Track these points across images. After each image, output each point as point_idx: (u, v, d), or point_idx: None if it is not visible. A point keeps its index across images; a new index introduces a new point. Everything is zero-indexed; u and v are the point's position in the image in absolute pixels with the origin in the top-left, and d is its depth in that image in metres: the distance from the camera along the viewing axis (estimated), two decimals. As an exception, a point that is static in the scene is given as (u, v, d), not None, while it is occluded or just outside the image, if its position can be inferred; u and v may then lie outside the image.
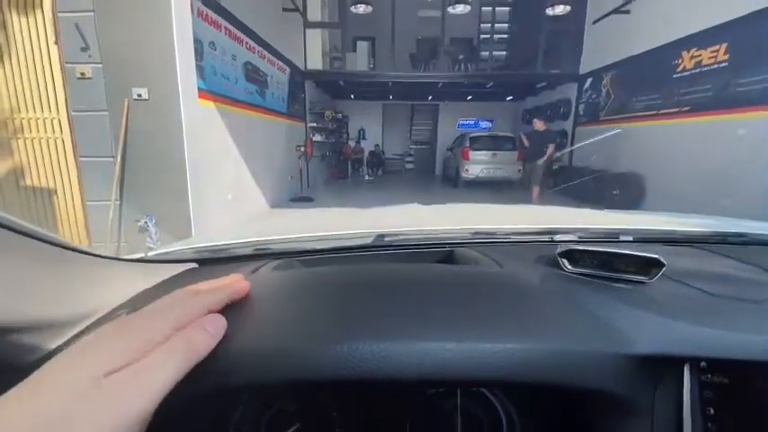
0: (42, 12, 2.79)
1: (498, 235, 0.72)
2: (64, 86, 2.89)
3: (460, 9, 7.75)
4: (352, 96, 11.28)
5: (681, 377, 0.34)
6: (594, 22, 6.95)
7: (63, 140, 2.98)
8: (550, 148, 6.03)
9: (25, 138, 2.95)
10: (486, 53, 9.58)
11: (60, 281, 0.38)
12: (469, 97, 11.55)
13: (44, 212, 3.09)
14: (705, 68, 4.79)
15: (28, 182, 3.03)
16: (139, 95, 2.88)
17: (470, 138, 8.54)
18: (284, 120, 6.52)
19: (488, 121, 12.31)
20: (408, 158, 13.30)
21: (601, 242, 0.69)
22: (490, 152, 8.20)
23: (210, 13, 3.92)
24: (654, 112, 5.66)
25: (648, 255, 0.44)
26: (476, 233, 0.73)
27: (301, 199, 6.69)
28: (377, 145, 12.47)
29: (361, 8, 7.45)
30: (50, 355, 0.35)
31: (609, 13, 6.39)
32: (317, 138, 8.54)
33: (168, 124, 2.95)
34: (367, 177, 11.29)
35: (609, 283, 0.45)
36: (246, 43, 4.86)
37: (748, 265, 0.54)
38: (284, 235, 0.78)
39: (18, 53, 2.83)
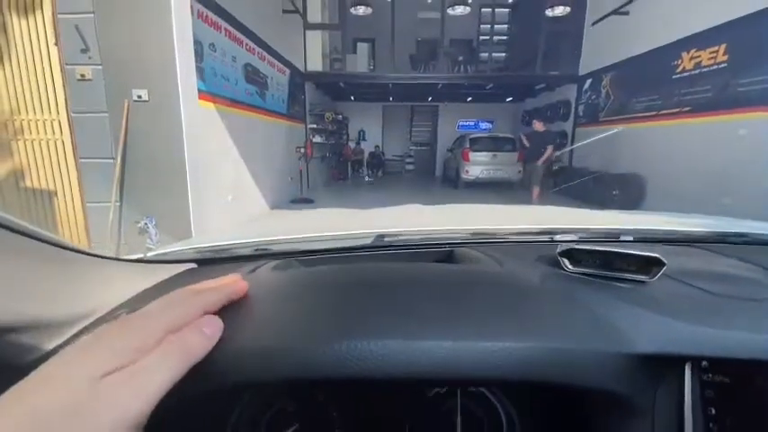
0: (42, 13, 2.80)
1: (498, 235, 0.72)
2: (64, 88, 2.90)
3: (460, 10, 7.77)
4: (352, 98, 11.30)
5: (682, 376, 0.34)
6: (594, 24, 6.97)
7: (63, 142, 2.98)
8: (549, 149, 6.04)
9: (25, 139, 2.96)
10: (486, 54, 9.60)
11: (59, 281, 0.38)
12: (469, 98, 11.57)
13: (44, 214, 3.09)
14: (704, 69, 4.79)
15: (28, 183, 3.03)
16: (139, 97, 2.89)
17: (470, 139, 8.55)
18: (284, 121, 6.53)
19: (488, 122, 12.33)
20: (408, 159, 13.31)
21: (601, 242, 0.69)
22: (490, 153, 8.21)
23: (210, 14, 3.93)
24: (653, 113, 5.67)
25: (649, 254, 0.44)
26: (476, 233, 0.73)
27: (301, 201, 6.70)
28: (377, 146, 12.48)
29: (361, 10, 7.47)
30: (49, 354, 0.35)
31: (608, 15, 6.41)
32: (317, 139, 8.55)
33: (168, 126, 2.96)
34: (367, 178, 11.30)
35: (609, 283, 0.45)
36: (246, 45, 4.87)
37: (749, 265, 0.54)
38: (284, 235, 0.78)
39: (18, 54, 2.84)
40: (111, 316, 0.42)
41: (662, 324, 0.36)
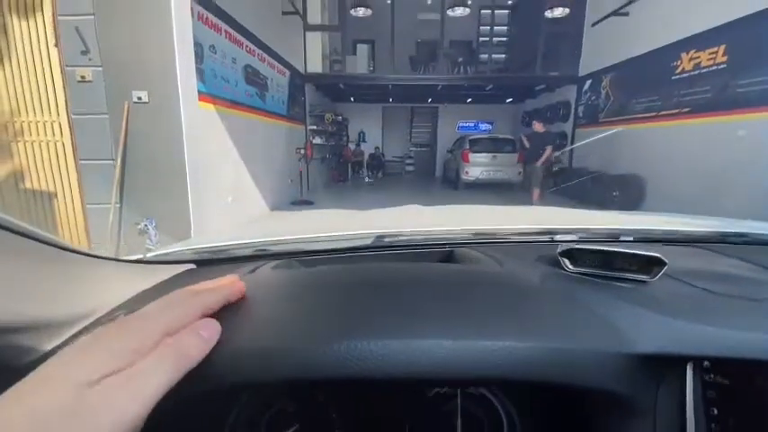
0: (43, 15, 2.80)
1: (498, 235, 0.72)
2: (64, 89, 2.90)
3: (459, 12, 7.78)
4: (352, 99, 11.31)
5: (683, 377, 0.34)
6: (593, 25, 6.98)
7: (63, 143, 2.98)
8: (548, 149, 6.04)
9: (25, 141, 2.96)
10: (486, 56, 9.61)
11: (58, 281, 0.38)
12: (469, 99, 11.58)
13: (44, 215, 3.09)
14: (704, 70, 4.80)
15: (28, 185, 3.03)
16: (139, 98, 2.89)
17: (470, 140, 8.55)
18: (284, 122, 6.53)
19: (488, 123, 12.33)
20: (408, 161, 13.32)
21: (601, 242, 0.69)
22: (490, 154, 8.21)
23: (211, 16, 3.94)
24: (653, 114, 5.68)
25: (650, 253, 0.44)
26: (476, 234, 0.73)
27: (301, 202, 6.70)
28: (377, 147, 12.48)
29: (361, 11, 7.48)
30: (47, 355, 0.35)
31: (607, 16, 6.42)
32: (317, 140, 8.55)
33: (168, 127, 2.96)
34: (367, 179, 11.30)
35: (610, 282, 0.45)
36: (246, 46, 4.88)
37: (750, 265, 0.54)
38: (284, 236, 0.78)
39: (18, 56, 2.84)
40: (110, 317, 0.42)
41: (663, 324, 0.35)
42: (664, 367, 0.34)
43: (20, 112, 2.91)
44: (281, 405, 0.43)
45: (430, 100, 11.94)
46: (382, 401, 0.44)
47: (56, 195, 3.07)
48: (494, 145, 8.38)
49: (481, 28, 10.40)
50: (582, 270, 0.48)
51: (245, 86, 4.85)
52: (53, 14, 2.79)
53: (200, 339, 0.27)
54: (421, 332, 0.32)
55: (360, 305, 0.37)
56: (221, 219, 3.98)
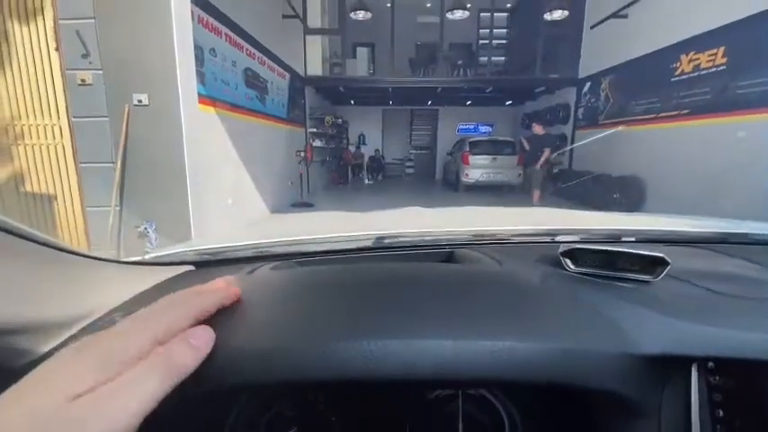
0: (44, 19, 2.81)
1: (499, 236, 0.72)
2: (64, 93, 2.90)
3: (459, 15, 7.80)
4: (352, 102, 11.33)
5: (688, 378, 0.33)
6: (592, 27, 7.00)
7: (63, 146, 2.99)
8: (546, 151, 6.06)
9: (26, 144, 2.96)
10: (485, 58, 9.63)
11: (56, 283, 0.37)
12: (469, 102, 11.60)
13: (44, 218, 3.09)
14: (703, 72, 4.81)
15: (28, 188, 3.03)
16: (140, 101, 2.89)
17: (470, 142, 8.56)
18: (284, 125, 6.54)
19: (488, 125, 12.35)
20: (408, 163, 13.33)
21: (603, 243, 0.68)
22: (490, 156, 8.22)
23: (211, 20, 3.95)
24: (653, 116, 5.68)
25: (653, 253, 0.44)
26: (476, 235, 0.73)
27: (301, 204, 6.70)
28: (377, 150, 12.51)
29: (361, 14, 7.51)
30: (44, 357, 0.34)
31: (607, 18, 6.43)
32: (317, 143, 8.57)
33: (168, 130, 2.96)
34: (367, 181, 11.32)
35: (612, 283, 0.45)
36: (247, 49, 4.89)
37: (752, 264, 0.54)
38: (283, 238, 0.77)
39: (19, 60, 2.85)
40: (108, 318, 0.41)
41: (667, 324, 0.35)
42: (668, 368, 0.34)
43: (20, 116, 2.91)
44: (280, 408, 0.43)
45: (430, 102, 11.97)
46: (382, 404, 0.43)
47: (56, 198, 3.07)
48: (494, 147, 8.39)
49: (480, 31, 10.42)
50: (584, 270, 0.47)
51: (245, 89, 4.86)
52: (54, 18, 2.80)
53: (191, 348, 0.27)
54: (421, 332, 0.31)
55: (359, 305, 0.37)
56: (221, 221, 3.97)
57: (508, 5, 10.72)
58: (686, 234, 0.75)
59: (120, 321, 0.27)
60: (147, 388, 0.23)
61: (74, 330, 0.38)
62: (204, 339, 0.28)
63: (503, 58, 11.05)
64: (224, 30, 4.25)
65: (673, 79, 5.29)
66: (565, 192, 6.98)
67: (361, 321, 0.33)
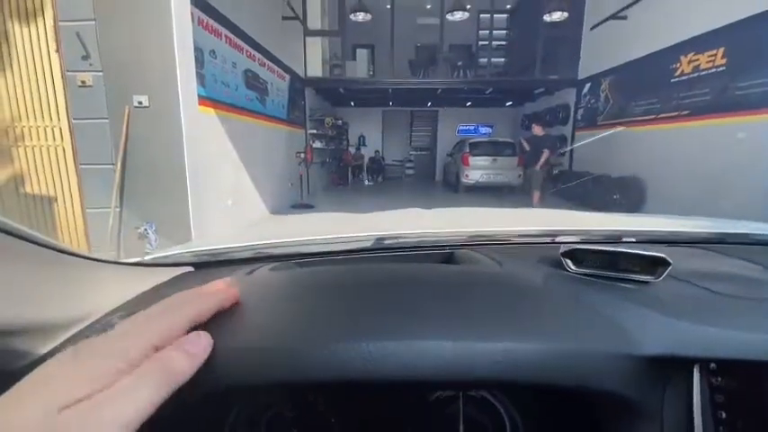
0: (44, 20, 2.82)
1: (499, 237, 0.71)
2: (65, 94, 2.91)
3: (459, 16, 7.81)
4: (352, 103, 11.35)
5: (690, 379, 0.33)
6: (592, 28, 7.01)
7: (63, 148, 2.99)
8: (546, 152, 6.06)
9: (26, 146, 2.96)
10: (485, 59, 9.64)
11: (55, 284, 0.37)
12: (469, 103, 11.61)
13: (44, 220, 3.09)
14: (703, 72, 4.81)
15: (28, 189, 3.03)
16: (140, 103, 2.89)
17: (470, 143, 8.57)
18: (284, 126, 6.55)
19: (488, 126, 12.37)
20: (408, 164, 13.33)
21: (603, 243, 0.68)
22: (490, 158, 8.23)
23: (211, 21, 3.96)
24: (653, 117, 5.68)
25: (654, 254, 0.44)
26: (476, 236, 0.73)
27: (301, 206, 6.70)
28: (377, 151, 12.51)
29: (361, 16, 7.52)
30: (42, 359, 0.34)
31: (606, 19, 6.44)
32: (317, 144, 8.57)
33: (169, 131, 2.96)
34: (367, 183, 11.33)
35: (613, 283, 0.44)
36: (247, 51, 4.90)
37: (753, 265, 0.53)
38: (283, 239, 0.77)
39: (20, 61, 2.85)
40: (106, 320, 0.41)
41: (669, 325, 0.35)
42: (670, 369, 0.33)
43: (20, 117, 2.91)
44: (279, 410, 0.43)
45: (430, 104, 11.97)
46: (383, 405, 0.43)
47: (56, 200, 3.07)
48: (493, 148, 8.40)
49: (480, 32, 10.44)
50: (585, 271, 0.47)
51: (245, 91, 4.87)
52: (54, 20, 2.81)
53: (188, 355, 0.26)
54: (421, 333, 0.31)
55: (359, 306, 0.36)
56: (221, 222, 3.97)
57: (508, 7, 10.74)
58: (686, 234, 0.75)
59: (117, 326, 0.27)
60: (142, 396, 0.22)
61: (72, 332, 0.38)
62: (201, 345, 0.28)
63: (502, 60, 11.07)
64: (224, 31, 4.25)
65: (672, 80, 5.29)
66: (565, 193, 6.98)
67: (360, 322, 0.33)
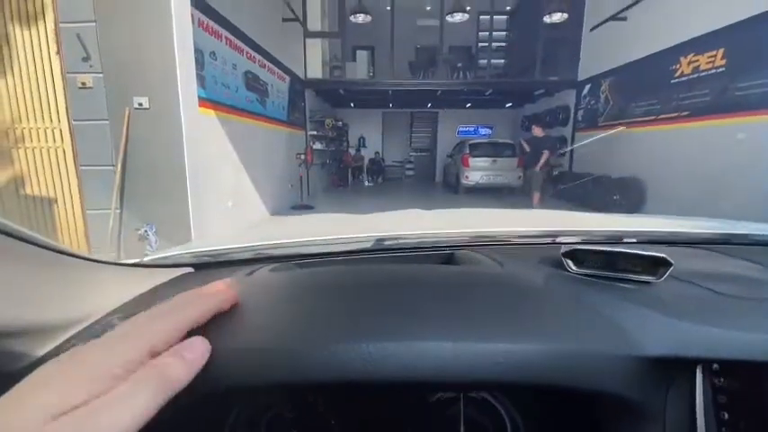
0: (45, 23, 2.82)
1: (499, 238, 0.71)
2: (65, 96, 2.91)
3: (459, 18, 7.83)
4: (352, 105, 11.36)
5: (693, 380, 0.33)
6: (592, 30, 7.02)
7: (64, 150, 2.99)
8: (545, 153, 6.06)
9: (26, 147, 2.96)
10: (485, 61, 9.66)
11: (55, 285, 0.37)
12: (469, 104, 11.63)
13: (44, 221, 3.09)
14: (703, 73, 4.81)
15: (28, 191, 3.03)
16: (140, 104, 2.90)
17: (470, 144, 8.58)
18: (284, 128, 6.55)
19: (488, 127, 12.37)
20: (408, 165, 13.34)
21: (604, 244, 0.68)
22: (490, 159, 8.24)
23: (211, 23, 3.97)
24: (652, 118, 5.69)
25: (655, 254, 0.43)
26: (476, 236, 0.72)
27: (302, 207, 6.70)
28: (377, 152, 12.52)
29: (361, 18, 7.54)
30: (41, 360, 0.34)
31: (606, 20, 6.45)
32: (318, 146, 8.58)
33: (169, 133, 2.97)
34: (367, 184, 11.34)
35: (614, 284, 0.44)
36: (247, 53, 4.91)
37: (755, 265, 0.53)
38: (283, 239, 0.77)
39: (20, 63, 2.85)
40: (106, 321, 0.41)
41: (670, 325, 0.35)
42: (672, 370, 0.33)
43: (21, 119, 2.92)
44: (281, 409, 0.43)
45: (429, 105, 11.98)
46: (383, 406, 0.43)
47: (56, 201, 3.07)
48: (493, 149, 8.41)
49: (480, 33, 10.47)
50: (586, 271, 0.47)
51: (245, 92, 4.87)
52: (55, 21, 2.81)
53: (184, 362, 0.26)
54: (421, 334, 0.31)
55: (359, 306, 0.36)
56: (221, 223, 3.97)
57: (507, 8, 10.76)
58: (687, 235, 0.75)
59: (113, 329, 0.26)
60: (138, 403, 0.22)
61: (71, 333, 0.38)
62: (199, 351, 0.27)
63: (502, 61, 11.09)
64: (224, 33, 4.26)
65: (672, 81, 5.30)
66: (565, 193, 6.98)
67: (360, 323, 0.33)
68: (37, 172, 3.00)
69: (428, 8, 10.23)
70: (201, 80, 3.68)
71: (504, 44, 11.15)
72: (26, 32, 2.83)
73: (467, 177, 8.28)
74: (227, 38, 4.33)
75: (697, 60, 4.88)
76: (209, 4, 3.87)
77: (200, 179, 3.23)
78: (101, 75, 2.87)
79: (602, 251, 0.46)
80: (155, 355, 0.25)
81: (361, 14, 7.50)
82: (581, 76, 7.81)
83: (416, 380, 0.29)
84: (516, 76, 9.93)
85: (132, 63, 2.85)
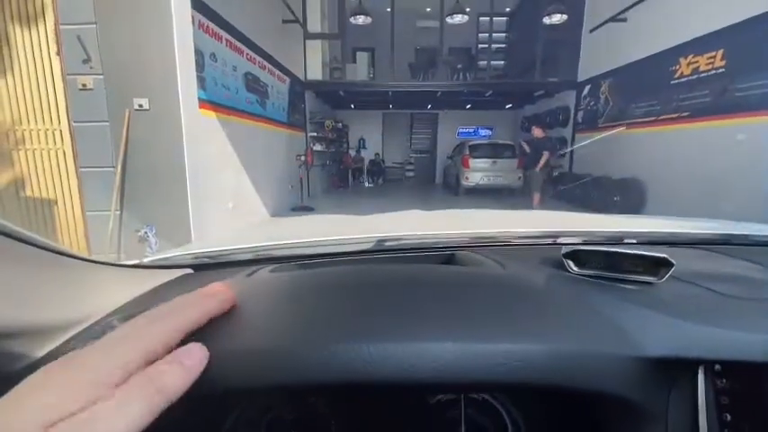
0: (45, 24, 2.83)
1: (500, 239, 0.71)
2: (65, 98, 2.92)
3: (458, 19, 7.84)
4: (353, 106, 11.37)
5: (695, 381, 0.33)
6: (591, 31, 7.03)
7: (64, 151, 2.99)
8: (545, 154, 6.07)
9: (26, 149, 2.97)
10: (485, 62, 9.68)
11: (54, 286, 0.37)
12: (468, 106, 11.64)
13: (44, 223, 3.09)
14: (702, 74, 4.82)
15: (28, 192, 3.03)
16: (140, 106, 2.90)
17: (470, 146, 8.59)
18: (284, 129, 6.56)
19: (488, 128, 12.38)
20: (408, 167, 13.35)
21: (605, 244, 0.68)
22: (490, 160, 8.24)
23: (211, 25, 3.98)
24: (652, 119, 5.69)
25: (656, 254, 0.43)
26: (477, 237, 0.72)
27: (302, 208, 6.70)
28: (377, 154, 12.53)
29: (361, 19, 7.55)
30: (41, 362, 0.34)
31: (605, 22, 6.46)
32: (318, 147, 8.58)
33: (169, 134, 2.97)
34: (367, 185, 11.35)
35: (616, 284, 0.44)
36: (247, 54, 4.92)
37: (755, 265, 0.53)
38: (283, 240, 0.77)
39: (20, 65, 2.86)
40: (105, 322, 0.41)
41: (672, 326, 0.35)
42: (674, 371, 0.33)
43: (21, 120, 2.92)
44: (280, 412, 0.42)
45: (430, 106, 12.00)
46: (383, 407, 0.43)
47: (56, 202, 3.08)
48: (494, 150, 8.42)
49: (480, 35, 10.49)
50: (587, 272, 0.47)
51: (245, 94, 4.88)
52: (55, 23, 2.82)
53: (182, 369, 0.25)
54: (421, 334, 0.31)
55: (359, 307, 0.36)
56: (221, 225, 3.97)
57: (507, 9, 10.78)
58: (688, 236, 0.75)
59: (115, 330, 0.26)
60: (134, 411, 0.22)
61: (70, 334, 0.38)
62: (198, 357, 0.27)
63: (502, 62, 11.11)
64: (224, 35, 4.27)
65: (672, 82, 5.30)
66: (565, 194, 6.98)
67: (360, 324, 0.33)
68: (37, 173, 3.01)
69: (428, 10, 10.25)
70: (202, 82, 3.68)
71: (503, 45, 11.17)
72: (26, 33, 2.84)
73: (467, 178, 8.28)
74: (227, 39, 4.34)
75: (697, 61, 4.89)
76: (209, 5, 3.88)
77: (201, 180, 3.23)
78: (101, 76, 2.88)
79: (603, 252, 0.46)
80: (154, 357, 0.25)
81: (361, 16, 7.51)
82: (581, 77, 7.82)
83: (417, 380, 0.29)
84: (516, 78, 9.94)
85: (133, 64, 2.85)
